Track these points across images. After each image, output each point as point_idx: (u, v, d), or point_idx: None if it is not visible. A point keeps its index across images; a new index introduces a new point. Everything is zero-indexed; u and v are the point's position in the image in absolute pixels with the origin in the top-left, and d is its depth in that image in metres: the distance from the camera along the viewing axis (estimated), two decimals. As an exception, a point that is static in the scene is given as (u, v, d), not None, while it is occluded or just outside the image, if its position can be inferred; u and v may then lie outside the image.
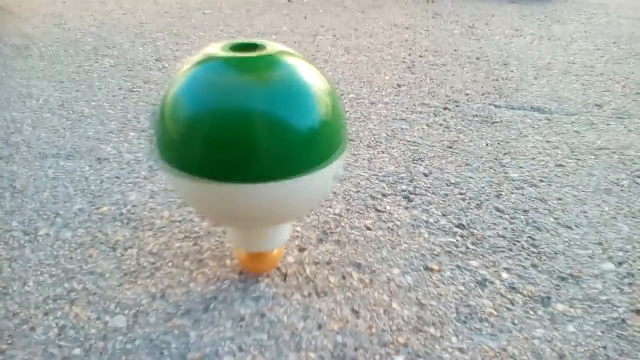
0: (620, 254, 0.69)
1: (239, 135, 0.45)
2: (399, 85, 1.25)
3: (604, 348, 0.54)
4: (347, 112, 1.10)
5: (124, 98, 1.15)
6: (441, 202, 0.79)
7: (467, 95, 1.20)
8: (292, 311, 0.57)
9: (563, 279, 0.64)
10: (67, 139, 0.95)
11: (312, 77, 0.49)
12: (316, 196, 0.51)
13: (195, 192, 0.48)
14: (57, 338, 0.54)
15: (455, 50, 1.54)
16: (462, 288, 0.61)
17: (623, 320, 0.58)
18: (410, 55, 1.50)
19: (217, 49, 0.50)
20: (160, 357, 0.52)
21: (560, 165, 0.90)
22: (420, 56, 1.49)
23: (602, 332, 0.56)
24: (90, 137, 0.97)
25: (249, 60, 0.48)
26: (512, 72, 1.37)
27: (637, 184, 0.85)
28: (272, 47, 0.51)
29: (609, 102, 1.19)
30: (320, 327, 0.55)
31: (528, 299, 0.60)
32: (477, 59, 1.47)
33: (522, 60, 1.47)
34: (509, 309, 0.59)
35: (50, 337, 0.54)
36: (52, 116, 1.05)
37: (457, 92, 1.22)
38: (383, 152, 0.93)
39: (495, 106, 1.14)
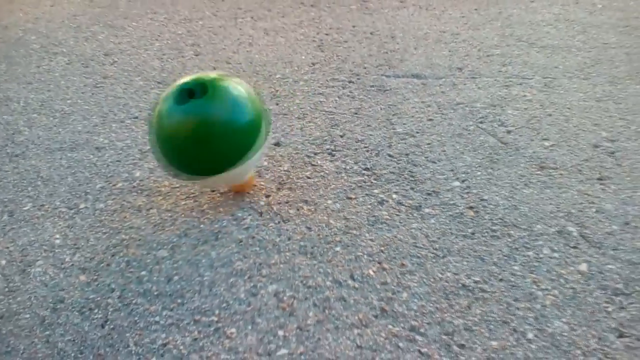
0: (464, 175, 1.11)
1: (201, 153, 0.83)
2: (313, 64, 1.60)
3: (450, 229, 0.96)
4: (277, 90, 1.44)
5: (92, 94, 1.39)
6: (353, 154, 1.17)
7: (365, 68, 1.58)
8: (270, 232, 0.93)
9: (429, 194, 1.05)
10: (62, 135, 1.21)
11: (241, 100, 0.86)
12: (254, 166, 0.91)
13: (185, 178, 0.85)
14: (127, 268, 0.86)
15: (354, 27, 1.90)
16: (369, 206, 1.00)
17: (462, 214, 1.00)
18: (318, 34, 1.83)
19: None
20: (197, 268, 0.86)
21: (430, 119, 1.31)
22: (326, 34, 1.83)
23: (450, 221, 0.98)
24: (80, 130, 1.23)
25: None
26: (397, 44, 1.76)
27: (479, 128, 1.28)
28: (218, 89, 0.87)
29: (467, 65, 1.62)
30: (289, 239, 0.92)
31: (408, 208, 1.01)
32: (371, 33, 1.84)
33: (405, 32, 1.86)
34: (397, 215, 0.99)
35: (122, 267, 0.86)
36: (38, 116, 1.29)
37: (358, 66, 1.59)
38: (309, 122, 1.28)
39: (386, 76, 1.53)
